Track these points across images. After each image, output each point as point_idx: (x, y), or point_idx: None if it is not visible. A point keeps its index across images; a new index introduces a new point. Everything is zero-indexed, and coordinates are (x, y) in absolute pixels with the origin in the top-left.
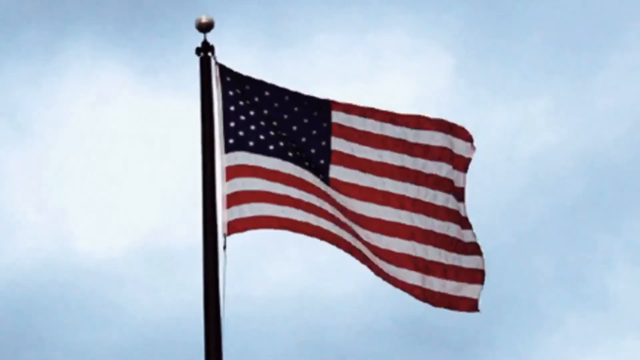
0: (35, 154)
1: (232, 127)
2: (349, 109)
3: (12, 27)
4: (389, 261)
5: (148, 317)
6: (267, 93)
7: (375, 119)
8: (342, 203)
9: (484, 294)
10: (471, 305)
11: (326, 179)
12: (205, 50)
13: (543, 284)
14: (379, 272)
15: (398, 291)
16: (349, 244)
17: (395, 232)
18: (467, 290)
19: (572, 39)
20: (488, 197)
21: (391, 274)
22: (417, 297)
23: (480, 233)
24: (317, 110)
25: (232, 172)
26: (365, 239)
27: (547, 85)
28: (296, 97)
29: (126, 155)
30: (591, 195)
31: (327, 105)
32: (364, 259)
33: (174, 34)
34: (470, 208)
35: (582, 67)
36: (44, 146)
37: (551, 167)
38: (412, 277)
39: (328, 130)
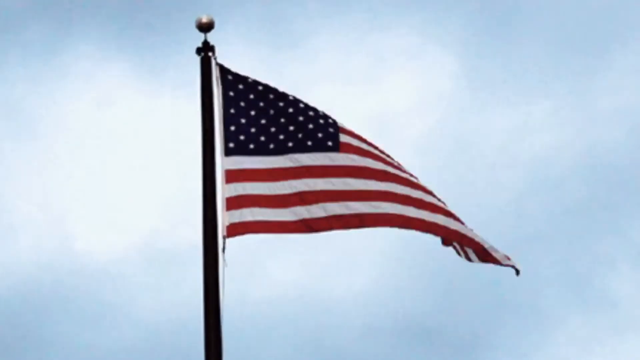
0: (37, 154)
1: (232, 131)
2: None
3: (15, 26)
4: (433, 210)
5: (148, 317)
6: (271, 96)
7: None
8: (353, 163)
9: (485, 294)
10: (513, 265)
11: (336, 145)
12: (205, 50)
13: (544, 284)
14: (417, 223)
15: (398, 291)
16: (360, 216)
17: (422, 206)
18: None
19: (574, 41)
20: (489, 198)
21: (452, 226)
22: (480, 254)
23: (481, 233)
24: (324, 119)
25: (233, 175)
26: (399, 191)
27: (549, 87)
28: (298, 103)
29: (127, 155)
30: (592, 197)
31: (335, 126)
32: (389, 220)
33: (174, 34)
34: (471, 208)
35: (584, 69)
36: (45, 146)
37: (552, 169)
38: (473, 234)
39: (335, 126)
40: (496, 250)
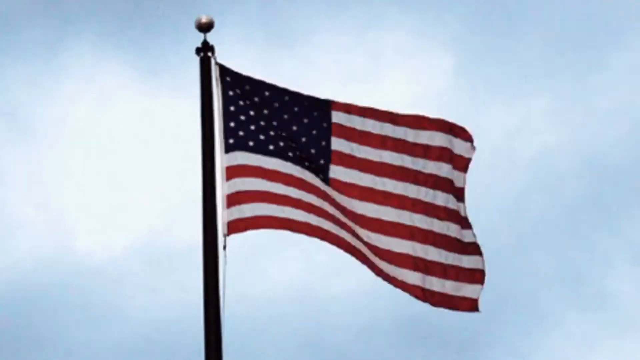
0: (36, 154)
1: (232, 127)
2: (348, 109)
3: (13, 26)
4: (389, 261)
5: (148, 317)
6: (267, 93)
7: (375, 119)
8: (342, 203)
9: (484, 294)
10: (471, 305)
11: (326, 179)
12: (205, 50)
13: (543, 283)
14: (379, 272)
15: (398, 291)
16: (349, 244)
17: (395, 232)
18: (467, 290)
19: (572, 38)
20: (488, 197)
21: (391, 273)
22: (417, 297)
23: (480, 233)
24: (317, 110)
25: (232, 172)
26: (365, 238)
27: (547, 85)
28: (296, 97)
29: (126, 155)
30: (591, 195)
31: (327, 105)
32: (364, 259)
33: (174, 34)
34: (470, 208)
35: (582, 67)
36: (44, 146)
37: (551, 167)
38: (412, 277)
39: (328, 130)
40: (400, 279)
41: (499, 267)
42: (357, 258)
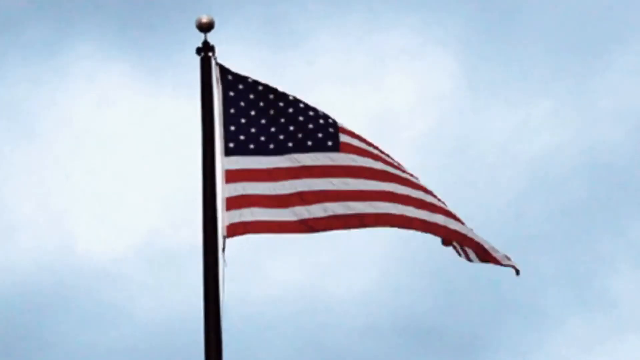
0: (37, 154)
1: (232, 131)
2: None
3: (15, 27)
4: (432, 210)
5: (148, 318)
6: (271, 96)
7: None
8: (353, 163)
9: (485, 294)
10: (513, 265)
11: (336, 145)
12: (205, 51)
13: (544, 284)
14: (419, 223)
15: (398, 291)
16: (361, 216)
17: (422, 206)
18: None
19: (574, 41)
20: (489, 199)
21: (440, 222)
22: (480, 254)
23: (481, 233)
24: (324, 119)
25: (232, 175)
26: (395, 190)
27: (549, 87)
28: (298, 103)
29: (127, 156)
30: (593, 197)
31: (334, 126)
32: (387, 220)
33: (174, 34)
34: (471, 208)
35: (584, 69)
36: (45, 146)
37: (553, 169)
38: (464, 229)
39: (335, 125)
40: (496, 251)
41: (500, 268)
42: (376, 224)
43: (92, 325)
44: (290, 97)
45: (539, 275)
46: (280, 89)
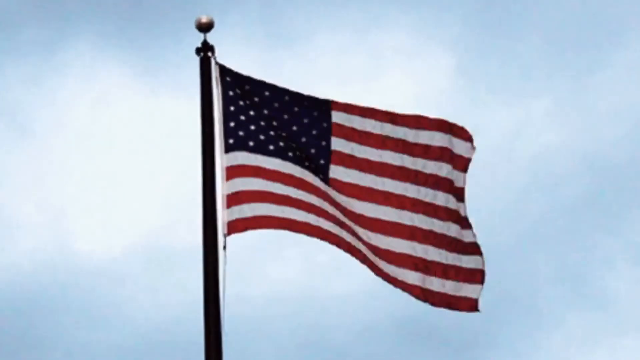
0: (35, 154)
1: (232, 127)
2: (348, 108)
3: (12, 27)
4: (389, 261)
5: (148, 317)
6: (267, 93)
7: (375, 119)
8: (342, 203)
9: (485, 294)
10: (471, 305)
11: (326, 179)
12: (205, 50)
13: (543, 283)
14: (379, 272)
15: (398, 291)
16: (348, 244)
17: (396, 232)
18: (467, 290)
19: (572, 38)
20: (488, 197)
21: (391, 274)
22: (417, 297)
23: (480, 233)
24: (317, 110)
25: (232, 172)
26: (365, 238)
27: (547, 85)
28: (296, 97)
29: (126, 155)
30: (591, 195)
31: (327, 105)
32: (364, 259)
33: (174, 34)
34: (470, 208)
35: (582, 67)
36: (44, 146)
37: (551, 167)
38: (412, 277)
39: (328, 130)
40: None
41: (499, 267)
42: (357, 258)
43: (91, 325)
44: (287, 98)
45: (538, 275)
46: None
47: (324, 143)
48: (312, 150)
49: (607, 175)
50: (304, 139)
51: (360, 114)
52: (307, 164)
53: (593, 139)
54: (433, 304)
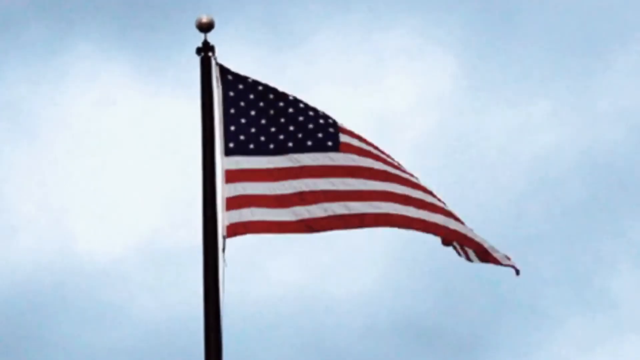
0: (37, 154)
1: (232, 131)
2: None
3: (15, 27)
4: (433, 210)
5: (148, 318)
6: (271, 96)
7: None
8: (353, 163)
9: (484, 294)
10: (513, 265)
11: (336, 145)
12: (205, 50)
13: (544, 284)
14: (415, 223)
15: (398, 291)
16: (361, 216)
17: (422, 206)
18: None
19: (574, 41)
20: (489, 198)
21: (436, 220)
22: (481, 253)
23: (481, 233)
24: (324, 119)
25: (232, 175)
26: (395, 190)
27: (549, 86)
28: (298, 103)
29: (127, 156)
30: (592, 197)
31: (334, 126)
32: (387, 220)
33: (174, 34)
34: (471, 208)
35: (584, 69)
36: (45, 146)
37: (552, 169)
38: (458, 227)
39: (335, 128)
40: (496, 250)
41: (499, 267)
42: (376, 224)
43: (92, 325)
44: (290, 97)
45: (539, 275)
46: (280, 89)
47: (330, 120)
48: (321, 121)
49: (608, 176)
50: (310, 126)
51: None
52: (309, 143)
53: (594, 140)
54: (487, 261)
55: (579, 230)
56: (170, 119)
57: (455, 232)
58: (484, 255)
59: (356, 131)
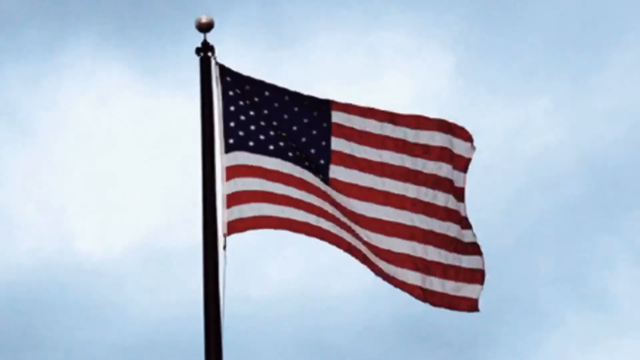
0: (36, 154)
1: (232, 127)
2: (348, 109)
3: (13, 27)
4: (389, 261)
5: (148, 317)
6: (267, 93)
7: (375, 119)
8: (342, 203)
9: (484, 294)
10: (471, 305)
11: (326, 179)
12: (205, 50)
13: (543, 284)
14: (379, 271)
15: (398, 291)
16: (348, 243)
17: (395, 232)
18: (467, 290)
19: (572, 38)
20: (488, 197)
21: (391, 273)
22: (417, 297)
23: (480, 233)
24: (317, 110)
25: (232, 172)
26: (365, 238)
27: (547, 85)
28: (296, 97)
29: (126, 155)
30: (591, 195)
31: (327, 105)
32: (364, 259)
33: (174, 34)
34: (470, 208)
35: (582, 67)
36: (44, 146)
37: (551, 167)
38: (412, 277)
39: (328, 130)
40: (399, 278)
41: (499, 267)
42: (357, 258)
43: (91, 325)
44: (286, 98)
45: (538, 275)
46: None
47: (323, 143)
48: (312, 151)
49: (607, 175)
50: (304, 139)
51: (360, 114)
52: (307, 164)
53: (593, 139)
54: (433, 304)
55: (578, 229)
56: (169, 119)
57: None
58: (386, 277)
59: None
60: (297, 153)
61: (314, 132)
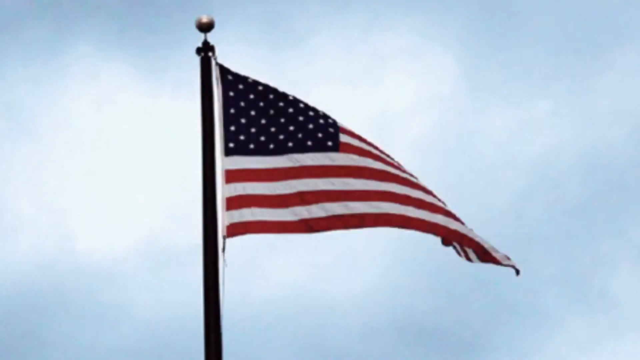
0: (37, 154)
1: (232, 131)
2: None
3: (14, 26)
4: (433, 210)
5: (148, 317)
6: (271, 96)
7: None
8: (353, 163)
9: (484, 294)
10: (513, 265)
11: (336, 145)
12: (205, 50)
13: (544, 284)
14: (416, 223)
15: (398, 291)
16: (361, 216)
17: (422, 205)
18: (500, 255)
19: (574, 41)
20: (489, 198)
21: (439, 222)
22: (476, 252)
23: (481, 233)
24: (324, 119)
25: (232, 175)
26: (395, 190)
27: (549, 87)
28: (298, 103)
29: (127, 155)
30: (593, 197)
31: (334, 126)
32: (387, 220)
33: (174, 34)
34: (471, 208)
35: (584, 69)
36: (45, 146)
37: (553, 169)
38: (458, 227)
39: (335, 125)
40: (496, 250)
41: (500, 268)
42: (376, 224)
43: (92, 325)
44: (290, 97)
45: (539, 275)
46: (280, 89)
47: (330, 120)
48: (319, 135)
49: (608, 177)
50: (310, 126)
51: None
52: (310, 143)
53: (594, 140)
54: (487, 261)
55: (579, 230)
56: (170, 119)
57: (455, 232)
58: (484, 255)
59: (356, 131)
60: (300, 135)
61: (321, 121)
